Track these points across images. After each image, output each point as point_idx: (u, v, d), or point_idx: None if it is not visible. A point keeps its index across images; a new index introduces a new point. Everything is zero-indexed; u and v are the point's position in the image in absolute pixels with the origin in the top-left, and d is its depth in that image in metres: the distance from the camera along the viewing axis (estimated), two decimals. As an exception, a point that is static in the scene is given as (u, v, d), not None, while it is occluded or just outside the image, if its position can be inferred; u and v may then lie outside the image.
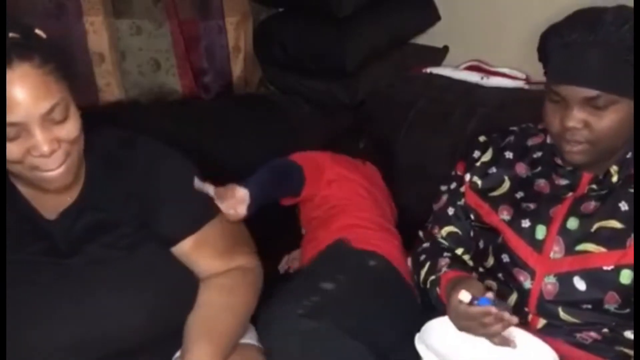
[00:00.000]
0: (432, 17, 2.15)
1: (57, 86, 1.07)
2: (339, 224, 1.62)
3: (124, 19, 1.89)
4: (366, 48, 2.01)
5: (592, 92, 1.14)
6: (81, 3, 1.78)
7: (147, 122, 1.73)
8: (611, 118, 1.15)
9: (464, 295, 1.16)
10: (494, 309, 1.14)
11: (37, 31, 1.11)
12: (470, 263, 1.42)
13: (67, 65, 1.13)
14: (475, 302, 1.16)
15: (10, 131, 1.04)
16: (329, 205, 1.67)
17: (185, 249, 1.24)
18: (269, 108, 2.06)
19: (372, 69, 2.06)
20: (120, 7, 1.87)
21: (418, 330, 1.22)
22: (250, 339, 1.31)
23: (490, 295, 1.17)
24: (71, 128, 1.10)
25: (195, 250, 1.25)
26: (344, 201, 1.67)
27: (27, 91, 1.03)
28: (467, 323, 1.19)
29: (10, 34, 1.05)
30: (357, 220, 1.62)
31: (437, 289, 1.33)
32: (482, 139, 1.45)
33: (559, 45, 1.19)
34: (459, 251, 1.44)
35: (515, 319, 1.15)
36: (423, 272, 1.41)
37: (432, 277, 1.36)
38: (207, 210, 1.28)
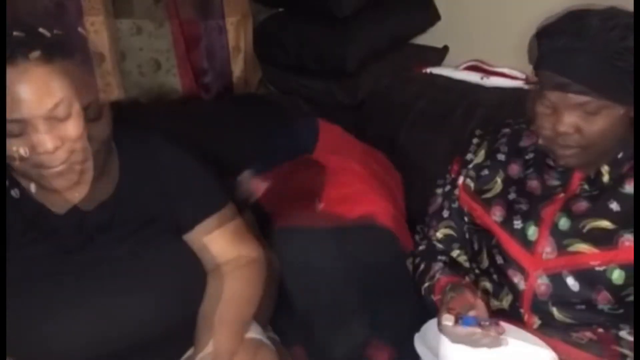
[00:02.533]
0: (432, 17, 2.15)
1: (60, 84, 1.09)
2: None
3: (125, 18, 1.89)
4: (366, 48, 2.01)
5: (582, 99, 1.14)
6: (81, 3, 1.78)
7: (147, 122, 1.73)
8: (603, 122, 1.16)
9: (447, 318, 1.17)
10: (478, 329, 1.15)
11: (41, 29, 1.13)
12: (467, 265, 1.43)
13: (74, 63, 1.14)
14: (460, 321, 1.16)
15: (14, 128, 1.06)
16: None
17: (206, 231, 1.29)
18: (269, 108, 2.06)
19: (372, 69, 2.06)
20: (120, 7, 1.87)
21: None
22: (255, 333, 1.33)
23: (473, 312, 1.17)
24: (74, 126, 1.11)
25: (215, 232, 1.30)
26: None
27: (30, 88, 1.05)
28: (456, 340, 1.19)
29: (15, 33, 1.07)
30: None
31: (432, 297, 1.34)
32: (475, 140, 1.45)
33: (548, 49, 1.18)
34: (455, 253, 1.44)
35: (502, 331, 1.16)
36: (417, 276, 1.42)
37: (427, 284, 1.37)
38: (223, 196, 1.35)
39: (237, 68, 2.06)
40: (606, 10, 1.18)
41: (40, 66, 1.07)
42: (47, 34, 1.12)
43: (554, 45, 1.17)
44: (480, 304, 1.20)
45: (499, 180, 1.37)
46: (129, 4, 1.89)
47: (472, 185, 1.41)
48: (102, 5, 1.81)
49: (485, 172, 1.39)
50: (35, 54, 1.06)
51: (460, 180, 1.43)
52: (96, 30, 1.78)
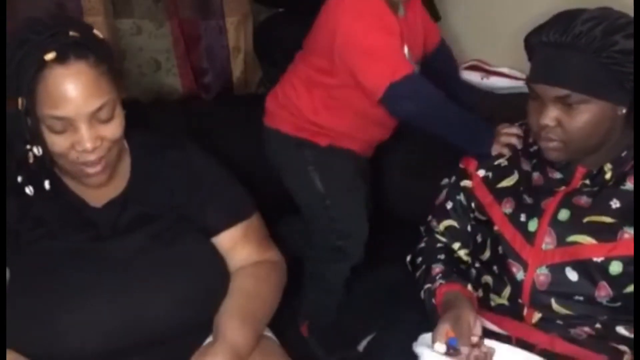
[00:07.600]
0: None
1: (107, 86, 1.13)
2: None
3: (125, 18, 1.89)
4: (366, 48, 2.00)
5: (562, 92, 1.17)
6: (81, 3, 1.79)
7: (147, 122, 1.74)
8: (582, 118, 1.19)
9: (439, 347, 1.17)
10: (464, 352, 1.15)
11: (95, 32, 1.16)
12: (466, 258, 1.44)
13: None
14: (450, 344, 1.16)
15: (57, 125, 1.10)
16: None
17: (234, 236, 1.32)
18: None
19: (372, 69, 2.05)
20: (120, 7, 1.88)
21: None
22: (267, 331, 1.35)
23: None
24: (115, 128, 1.15)
25: (243, 238, 1.33)
26: None
27: (79, 88, 1.08)
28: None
29: (70, 33, 1.10)
30: None
31: (433, 300, 1.34)
32: None
33: (537, 44, 1.23)
34: (456, 246, 1.45)
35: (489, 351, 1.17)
36: (418, 277, 1.43)
37: (428, 286, 1.37)
38: (251, 204, 1.38)
39: (237, 68, 2.06)
40: (598, 8, 1.19)
41: (92, 68, 1.10)
42: (101, 36, 1.16)
43: (542, 39, 1.21)
44: (470, 324, 1.19)
45: (515, 172, 1.38)
46: (129, 4, 1.90)
47: (490, 175, 1.41)
48: (102, 5, 1.81)
49: (505, 163, 1.40)
50: (90, 56, 1.09)
51: (481, 173, 1.42)
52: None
